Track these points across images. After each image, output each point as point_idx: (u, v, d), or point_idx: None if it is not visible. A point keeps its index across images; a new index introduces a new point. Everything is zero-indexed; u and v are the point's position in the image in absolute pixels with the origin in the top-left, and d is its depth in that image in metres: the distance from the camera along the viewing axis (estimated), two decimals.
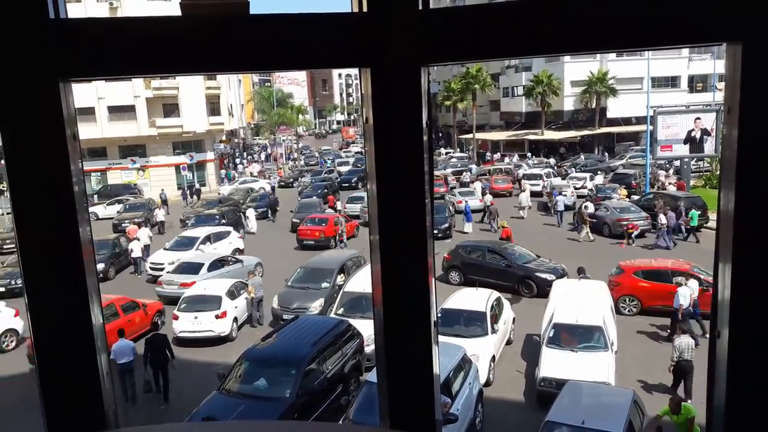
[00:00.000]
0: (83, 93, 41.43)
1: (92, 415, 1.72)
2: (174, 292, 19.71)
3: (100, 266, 23.74)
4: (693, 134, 31.38)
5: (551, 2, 1.47)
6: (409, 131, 1.54)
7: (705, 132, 31.11)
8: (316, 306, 17.62)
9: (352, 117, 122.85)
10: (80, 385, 1.71)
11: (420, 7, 1.51)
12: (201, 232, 26.32)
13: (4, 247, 28.50)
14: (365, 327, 13.69)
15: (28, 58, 1.56)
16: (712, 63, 49.94)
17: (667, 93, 48.42)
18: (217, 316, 16.88)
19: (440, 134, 74.73)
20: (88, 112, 44.52)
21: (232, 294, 17.83)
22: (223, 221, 30.40)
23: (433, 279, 1.66)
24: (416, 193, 1.56)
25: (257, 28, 1.55)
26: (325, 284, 18.69)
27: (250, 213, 33.05)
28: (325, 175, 49.43)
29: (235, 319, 17.50)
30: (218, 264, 21.85)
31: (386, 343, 1.65)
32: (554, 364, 12.80)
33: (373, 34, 1.50)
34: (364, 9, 1.52)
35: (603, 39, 1.47)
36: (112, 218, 34.93)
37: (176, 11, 1.59)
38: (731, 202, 1.42)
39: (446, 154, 60.46)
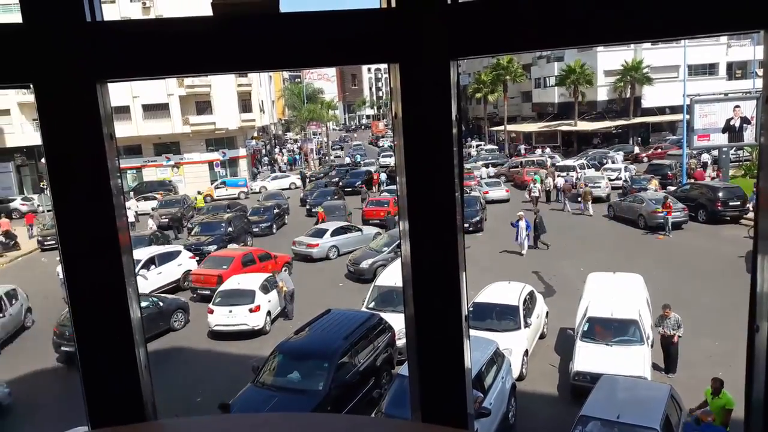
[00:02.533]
0: (118, 92, 42.33)
1: (132, 407, 1.76)
2: (303, 251, 24.73)
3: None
4: (732, 123, 30.46)
5: None
6: (438, 125, 1.53)
7: (745, 120, 30.16)
8: None
9: (381, 111, 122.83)
10: (120, 377, 1.75)
11: (449, 1, 1.50)
12: (143, 254, 21.58)
13: (46, 243, 29.38)
14: (397, 321, 13.74)
15: (66, 60, 1.60)
16: (752, 49, 48.30)
17: (705, 81, 47.11)
18: (251, 310, 17.17)
19: (471, 126, 74.20)
20: (124, 111, 45.51)
21: (266, 288, 18.08)
22: (230, 230, 27.07)
23: (464, 273, 1.66)
24: (446, 186, 1.56)
25: (288, 26, 1.56)
26: None
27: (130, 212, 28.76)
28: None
29: (269, 313, 17.73)
30: (341, 230, 25.69)
31: (417, 336, 1.65)
32: (588, 358, 12.64)
33: (401, 30, 1.50)
34: (393, 5, 1.52)
35: (635, 29, 1.44)
36: (146, 213, 35.60)
37: (207, 11, 1.62)
38: None
39: (477, 146, 59.88)
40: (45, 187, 29.53)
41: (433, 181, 1.56)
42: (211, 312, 17.39)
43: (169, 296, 19.66)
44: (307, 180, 47.51)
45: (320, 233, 25.47)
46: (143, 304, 18.18)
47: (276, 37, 1.56)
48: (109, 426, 1.68)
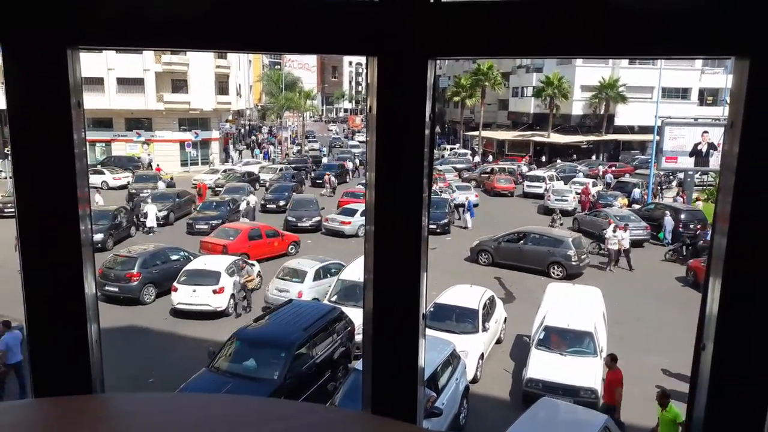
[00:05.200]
0: (93, 63, 41.33)
1: (79, 380, 1.75)
2: (336, 227, 27.12)
3: (99, 236, 23.88)
4: (699, 147, 31.33)
5: (564, 4, 1.47)
6: (411, 123, 1.54)
7: (711, 146, 31.04)
8: None
9: (359, 106, 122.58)
10: (68, 350, 1.73)
11: (431, 0, 1.51)
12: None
13: (5, 210, 28.55)
14: (358, 315, 13.75)
15: (37, 24, 1.56)
16: (724, 77, 49.70)
17: (677, 104, 48.22)
18: (214, 291, 17.24)
19: (446, 129, 74.53)
20: (97, 82, 44.44)
21: (232, 271, 18.02)
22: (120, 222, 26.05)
23: (425, 273, 1.67)
24: (414, 185, 1.57)
25: (268, 9, 1.56)
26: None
27: (150, 209, 27.80)
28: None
29: (233, 296, 17.69)
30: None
31: (374, 332, 1.66)
32: (542, 365, 12.86)
33: (382, 24, 1.51)
34: None
35: (613, 44, 1.47)
36: (121, 188, 35.59)
37: None
38: (726, 217, 1.44)
39: (450, 149, 60.09)
40: (8, 153, 28.65)
41: (401, 180, 1.57)
42: (175, 290, 17.38)
43: (199, 253, 21.18)
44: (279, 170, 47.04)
45: (351, 212, 27.21)
46: (174, 257, 19.93)
47: (256, 19, 1.55)
48: (53, 396, 1.67)
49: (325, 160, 52.85)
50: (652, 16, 1.40)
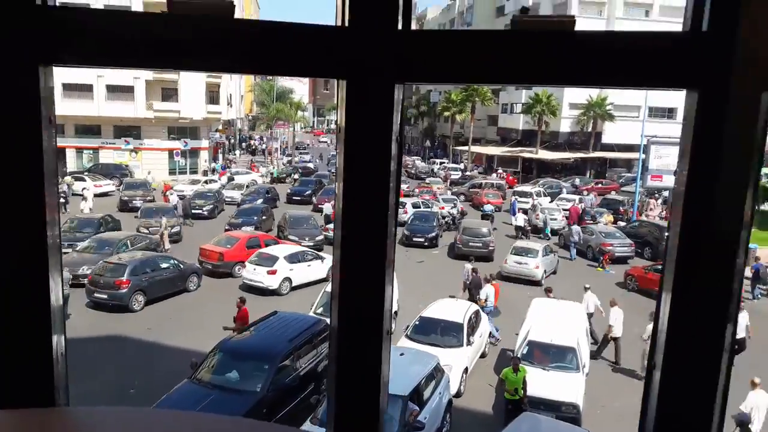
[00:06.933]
0: (82, 70, 41.08)
1: (43, 392, 1.74)
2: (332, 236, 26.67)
3: (85, 244, 23.65)
4: None
5: (528, 36, 1.53)
6: (377, 144, 1.58)
7: None
8: None
9: None
10: (33, 362, 1.72)
11: (399, 27, 1.55)
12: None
13: None
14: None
15: (11, 41, 1.57)
16: None
17: (663, 124, 48.79)
18: (269, 272, 20.37)
19: (436, 144, 74.86)
20: (86, 89, 44.28)
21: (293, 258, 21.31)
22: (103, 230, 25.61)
23: (391, 287, 1.70)
24: (380, 203, 1.59)
25: (241, 31, 1.59)
26: None
27: (88, 193, 29.34)
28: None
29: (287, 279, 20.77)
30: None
31: (338, 347, 1.66)
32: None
33: (350, 49, 1.55)
34: (347, 24, 1.57)
35: (575, 75, 1.53)
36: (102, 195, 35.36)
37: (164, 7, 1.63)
38: (676, 238, 1.50)
39: (440, 164, 60.58)
40: None
41: (368, 197, 1.59)
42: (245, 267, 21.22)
43: (187, 261, 21.65)
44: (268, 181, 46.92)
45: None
46: (164, 265, 20.48)
47: (228, 41, 1.57)
48: (16, 408, 1.65)
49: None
50: (612, 51, 1.47)
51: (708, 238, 1.45)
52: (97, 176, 41.21)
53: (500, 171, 54.57)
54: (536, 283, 22.38)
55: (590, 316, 17.15)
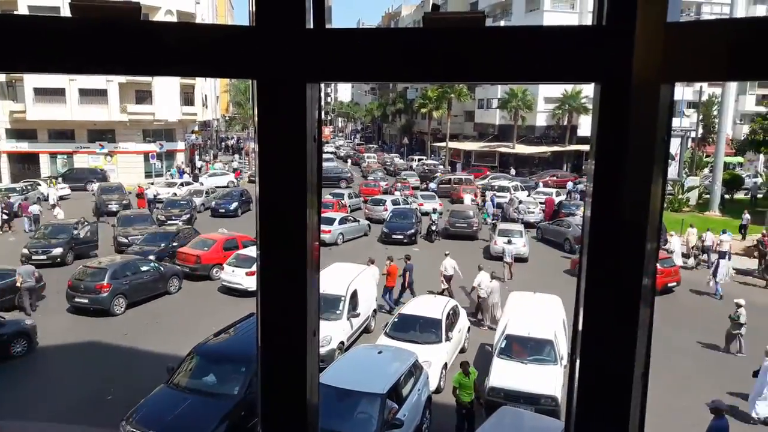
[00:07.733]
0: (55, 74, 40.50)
1: None
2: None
3: (59, 250, 23.38)
4: None
5: (440, 33, 1.53)
6: (291, 144, 1.57)
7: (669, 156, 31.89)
8: None
9: (328, 117, 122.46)
10: None
11: (308, 26, 1.54)
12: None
13: None
14: (324, 328, 13.71)
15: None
16: (680, 89, 51.14)
17: None
18: (247, 273, 19.83)
19: (414, 140, 75.06)
20: (59, 94, 43.66)
21: None
22: (80, 236, 24.76)
23: (317, 289, 1.69)
24: (297, 202, 1.59)
25: (147, 33, 1.56)
26: None
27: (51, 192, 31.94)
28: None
29: None
30: (344, 220, 29.13)
31: (262, 345, 1.65)
32: (504, 374, 12.98)
33: (259, 49, 1.54)
34: (254, 24, 1.56)
35: (485, 71, 1.54)
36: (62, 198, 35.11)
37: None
38: (587, 232, 1.53)
39: (419, 160, 60.83)
40: None
41: (284, 195, 1.59)
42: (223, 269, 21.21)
43: (168, 264, 21.73)
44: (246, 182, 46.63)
45: (329, 221, 27.84)
46: (144, 268, 20.25)
47: (135, 44, 1.54)
48: None
49: None
50: (521, 47, 1.49)
51: (615, 226, 1.48)
52: (52, 180, 40.74)
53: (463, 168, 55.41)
54: (524, 260, 24.97)
55: (449, 279, 19.85)
